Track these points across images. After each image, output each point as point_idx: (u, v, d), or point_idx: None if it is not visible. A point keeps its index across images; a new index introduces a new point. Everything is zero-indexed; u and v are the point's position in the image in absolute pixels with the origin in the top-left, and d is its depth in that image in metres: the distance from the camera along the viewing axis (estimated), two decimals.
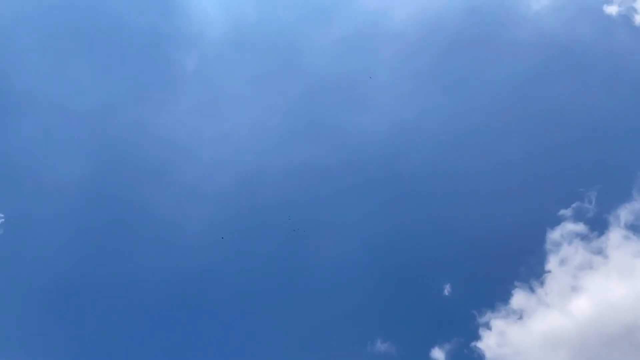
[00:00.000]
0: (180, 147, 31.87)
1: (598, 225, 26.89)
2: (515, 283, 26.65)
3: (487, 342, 25.61)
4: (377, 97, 33.36)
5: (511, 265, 27.17)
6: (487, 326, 26.05)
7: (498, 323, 26.00)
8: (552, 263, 26.76)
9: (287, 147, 31.84)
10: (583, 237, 26.88)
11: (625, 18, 32.93)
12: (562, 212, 27.68)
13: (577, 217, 27.38)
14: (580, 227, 27.11)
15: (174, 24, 35.31)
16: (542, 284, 26.42)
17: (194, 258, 28.59)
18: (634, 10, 32.80)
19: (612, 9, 33.24)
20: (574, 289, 25.96)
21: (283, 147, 31.81)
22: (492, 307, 26.32)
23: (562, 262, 26.64)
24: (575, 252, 26.62)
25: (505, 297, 26.44)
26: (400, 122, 32.14)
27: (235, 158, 31.57)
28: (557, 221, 27.55)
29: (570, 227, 27.23)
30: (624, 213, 26.73)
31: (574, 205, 27.66)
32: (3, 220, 27.92)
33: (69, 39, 33.86)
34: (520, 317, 25.95)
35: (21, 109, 31.67)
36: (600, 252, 26.34)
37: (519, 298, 26.38)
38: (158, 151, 31.64)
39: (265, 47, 35.07)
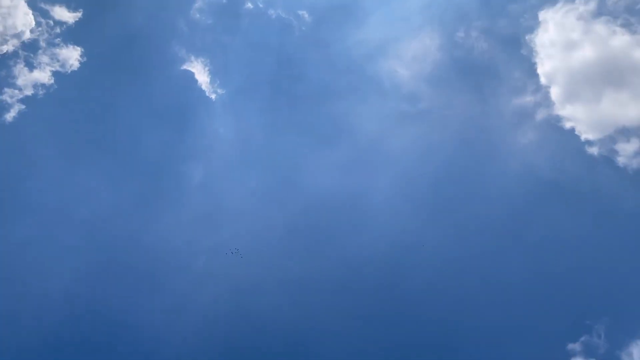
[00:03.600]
0: (175, 256, 31.39)
1: None
2: None
3: None
4: (374, 217, 33.98)
5: None
6: None
7: None
8: None
9: (284, 261, 31.38)
10: None
11: (607, 159, 35.01)
12: (571, 346, 26.00)
13: (588, 352, 25.67)
14: None
15: (186, 139, 37.84)
16: None
17: None
18: (615, 152, 35.06)
19: (593, 150, 35.61)
20: None
21: (280, 260, 31.35)
22: None
23: None
24: None
25: None
26: (398, 243, 32.21)
27: (230, 269, 30.87)
28: (566, 357, 25.75)
29: None
30: (638, 350, 25.05)
31: (582, 339, 26.10)
32: None
33: (84, 148, 35.89)
34: None
35: (24, 211, 32.05)
36: None
37: None
38: (152, 259, 31.08)
39: (269, 165, 36.96)
